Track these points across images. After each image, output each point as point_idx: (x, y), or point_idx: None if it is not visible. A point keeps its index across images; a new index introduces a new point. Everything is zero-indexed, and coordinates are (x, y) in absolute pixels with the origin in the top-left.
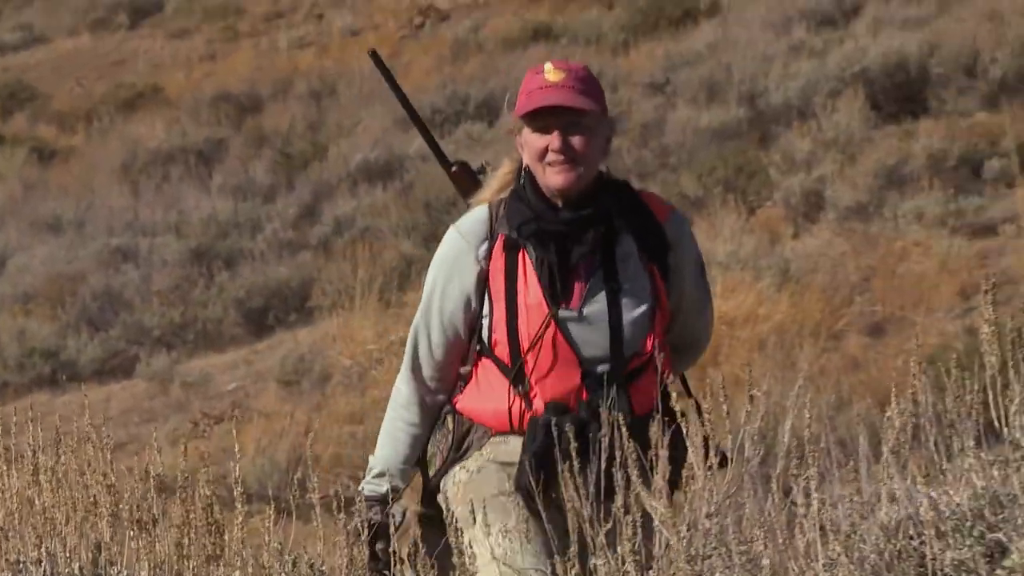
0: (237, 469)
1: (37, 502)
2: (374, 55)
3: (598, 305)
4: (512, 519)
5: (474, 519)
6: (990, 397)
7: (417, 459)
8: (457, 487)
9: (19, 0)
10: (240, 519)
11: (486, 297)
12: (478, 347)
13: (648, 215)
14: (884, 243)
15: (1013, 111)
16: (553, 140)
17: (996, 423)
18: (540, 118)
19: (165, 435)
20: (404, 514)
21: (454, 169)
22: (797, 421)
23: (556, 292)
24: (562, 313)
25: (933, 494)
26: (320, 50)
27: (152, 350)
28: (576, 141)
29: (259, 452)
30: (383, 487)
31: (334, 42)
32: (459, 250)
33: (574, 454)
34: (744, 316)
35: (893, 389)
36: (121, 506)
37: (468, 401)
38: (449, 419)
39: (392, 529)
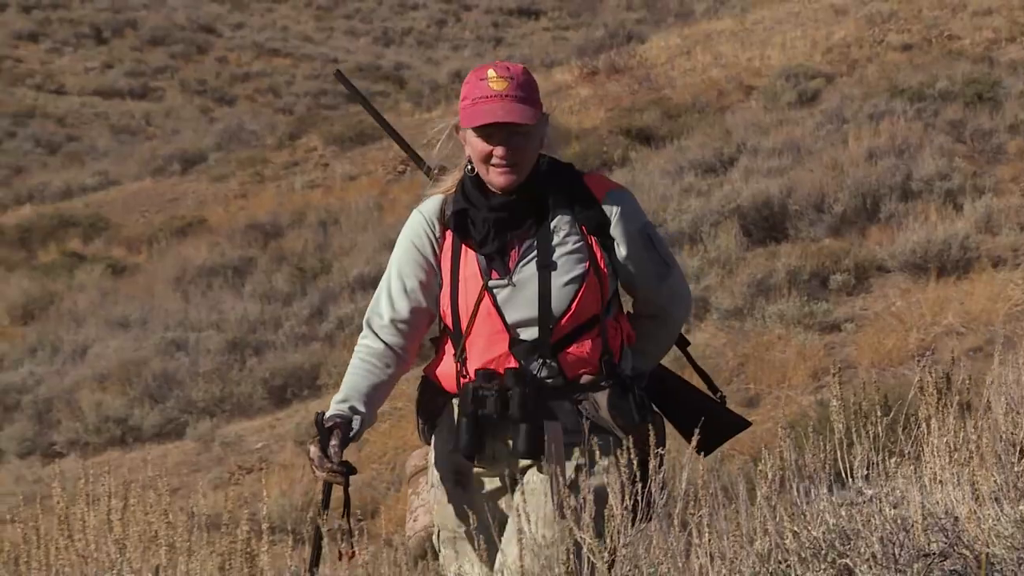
0: (264, 508)
1: (110, 536)
2: (339, 73)
3: (528, 272)
4: (467, 563)
5: (438, 546)
6: (838, 454)
7: (378, 400)
8: (430, 503)
9: (98, 152)
10: (267, 547)
11: (439, 274)
12: (439, 318)
13: (585, 193)
14: (755, 336)
15: (851, 238)
16: (497, 149)
17: (843, 474)
18: (485, 128)
19: (208, 483)
20: (361, 427)
21: (436, 173)
22: (691, 473)
23: (487, 266)
24: (493, 283)
25: (796, 529)
26: (326, 190)
27: (198, 418)
28: (518, 148)
29: (280, 495)
30: (344, 407)
31: (337, 184)
32: (417, 224)
33: (495, 417)
34: None
35: (764, 448)
36: (175, 537)
37: (433, 367)
38: (420, 384)
39: (348, 437)
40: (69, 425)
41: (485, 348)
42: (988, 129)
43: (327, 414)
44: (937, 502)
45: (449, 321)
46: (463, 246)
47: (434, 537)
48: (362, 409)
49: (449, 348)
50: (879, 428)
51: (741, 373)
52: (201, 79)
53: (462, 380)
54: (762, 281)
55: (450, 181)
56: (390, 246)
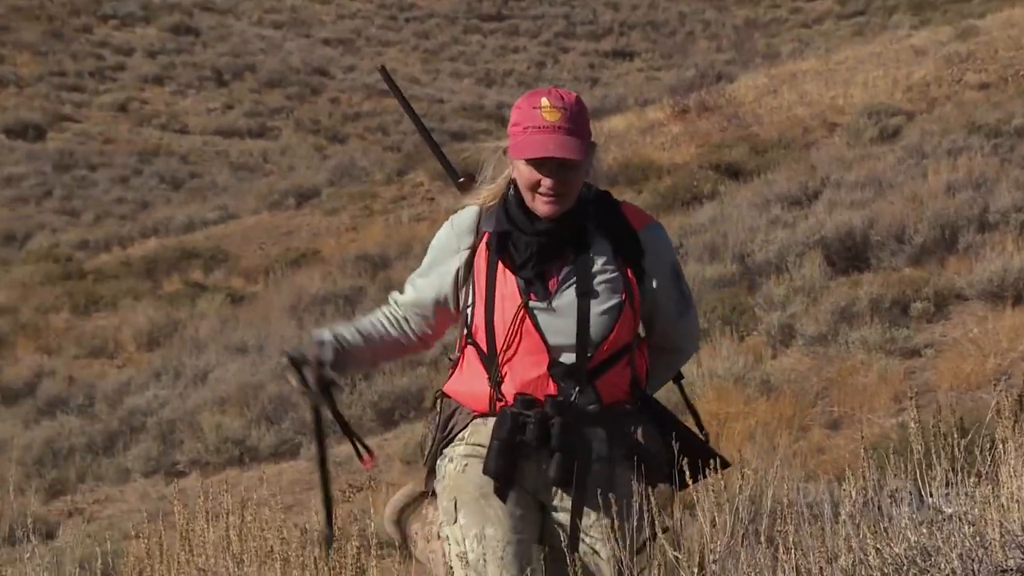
0: (373, 525)
1: (228, 551)
2: (383, 70)
3: (568, 298)
4: (490, 526)
5: (455, 517)
6: (918, 474)
7: (368, 341)
8: (445, 479)
9: (218, 188)
10: (375, 562)
11: (471, 287)
12: (465, 333)
13: (624, 222)
14: (838, 362)
15: (931, 267)
16: (545, 180)
17: (923, 494)
18: (535, 159)
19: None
20: (337, 343)
21: (462, 180)
22: (777, 490)
23: (528, 286)
24: (534, 304)
25: (879, 546)
26: (431, 223)
27: (311, 439)
28: (567, 180)
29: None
30: (319, 332)
31: (441, 217)
32: (449, 236)
33: (535, 444)
34: (736, 414)
35: (847, 468)
36: (289, 552)
37: (453, 384)
38: (438, 402)
39: (321, 358)
40: (191, 445)
41: (523, 369)
42: None
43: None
44: (1014, 520)
45: (483, 338)
46: (500, 265)
47: (452, 508)
48: (343, 332)
49: (474, 366)
50: (957, 449)
51: (825, 397)
52: (315, 119)
53: (497, 404)
54: (845, 309)
55: (486, 193)
56: None
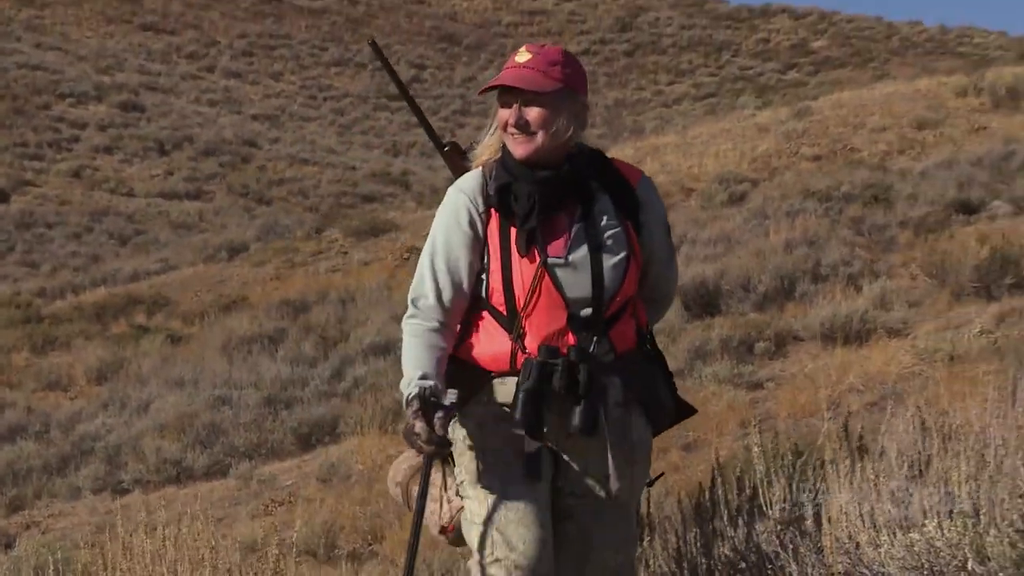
0: (293, 535)
1: (164, 559)
2: (373, 44)
3: (582, 252)
4: (513, 487)
5: (478, 475)
6: (760, 490)
7: (441, 371)
8: (466, 440)
9: (160, 244)
10: (294, 568)
11: (486, 252)
12: (481, 298)
13: (620, 178)
14: (693, 393)
15: (772, 312)
16: (511, 114)
17: (763, 506)
18: (502, 94)
19: (247, 514)
20: (457, 397)
21: (446, 149)
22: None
23: (531, 243)
24: (551, 260)
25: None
26: (345, 273)
27: (239, 460)
28: (532, 115)
29: (305, 524)
30: (430, 384)
31: (354, 269)
32: (459, 202)
33: (563, 392)
34: None
35: (700, 485)
36: (218, 560)
37: (469, 349)
38: (451, 366)
39: (450, 411)
40: (134, 466)
41: (544, 324)
42: (882, 224)
43: (413, 390)
44: (842, 529)
45: (501, 299)
46: (511, 224)
47: (474, 468)
48: (442, 386)
49: (491, 328)
50: (793, 468)
51: (682, 423)
52: (244, 184)
53: (520, 356)
54: (699, 347)
55: (486, 153)
56: (398, 319)
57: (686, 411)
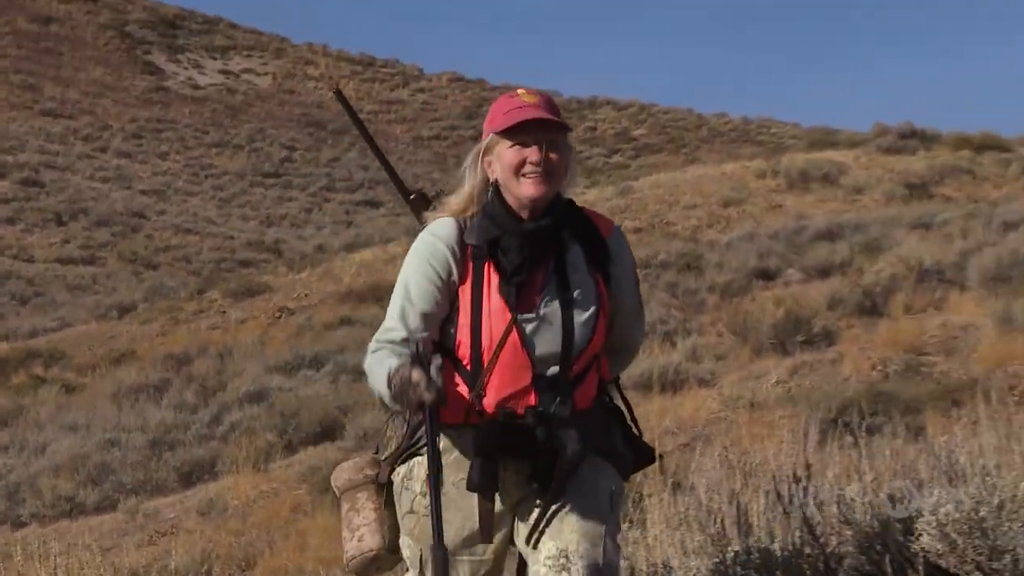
0: (173, 562)
1: None
2: (338, 92)
3: (554, 307)
4: (461, 542)
5: (420, 571)
6: None
7: None
8: (414, 516)
9: (57, 304)
10: None
11: (456, 304)
12: (440, 351)
13: (594, 229)
14: None
15: None
16: (532, 153)
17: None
18: (520, 134)
19: (133, 544)
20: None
21: (412, 197)
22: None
23: (517, 298)
24: (521, 316)
25: None
26: (224, 330)
27: (128, 496)
28: (553, 156)
29: (185, 552)
30: (419, 340)
31: (231, 326)
32: (436, 248)
33: (516, 454)
34: None
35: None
36: None
37: None
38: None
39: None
40: (32, 502)
41: (505, 383)
42: (694, 288)
43: (408, 348)
44: (657, 557)
45: (467, 353)
46: (486, 277)
47: (417, 560)
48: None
49: (449, 378)
50: None
51: None
52: (133, 251)
53: (473, 416)
54: None
55: (457, 203)
56: (271, 370)
57: (644, 459)
